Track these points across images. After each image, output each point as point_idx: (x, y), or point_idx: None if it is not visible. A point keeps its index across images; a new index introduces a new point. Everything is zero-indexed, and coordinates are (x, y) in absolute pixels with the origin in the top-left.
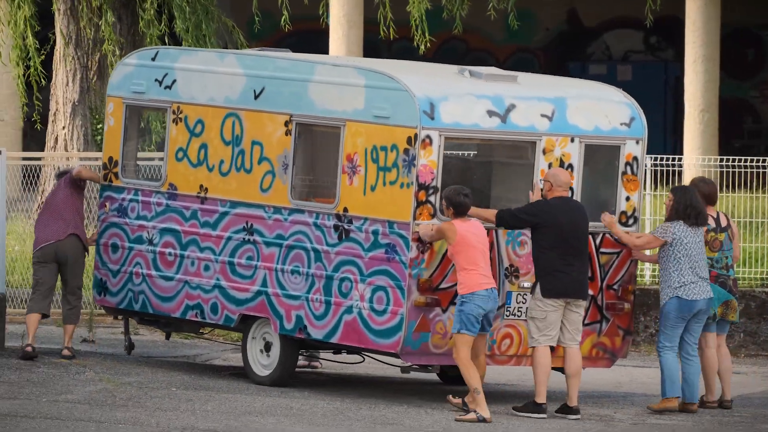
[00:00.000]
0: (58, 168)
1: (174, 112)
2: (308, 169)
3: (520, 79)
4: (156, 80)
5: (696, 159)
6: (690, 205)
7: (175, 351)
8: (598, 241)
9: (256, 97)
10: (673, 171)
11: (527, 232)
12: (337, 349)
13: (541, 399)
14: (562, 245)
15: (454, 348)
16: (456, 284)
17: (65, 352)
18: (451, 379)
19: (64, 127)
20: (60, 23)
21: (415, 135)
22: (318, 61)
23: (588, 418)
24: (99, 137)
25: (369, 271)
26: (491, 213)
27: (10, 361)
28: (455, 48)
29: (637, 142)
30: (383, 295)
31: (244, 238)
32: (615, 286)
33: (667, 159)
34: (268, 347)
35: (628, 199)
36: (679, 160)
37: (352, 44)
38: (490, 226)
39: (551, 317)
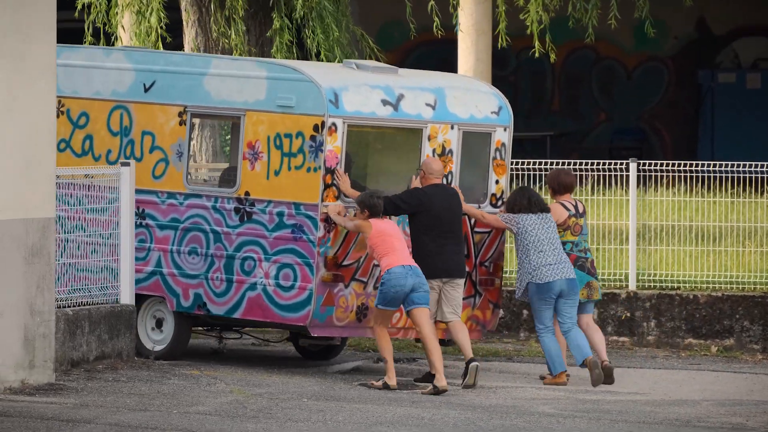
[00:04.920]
0: None
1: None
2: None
3: (400, 71)
4: None
5: None
6: (536, 197)
7: (306, 361)
8: (473, 221)
9: (146, 90)
10: None
11: None
12: (236, 325)
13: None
14: (436, 229)
15: (372, 318)
16: (356, 262)
17: None
18: (311, 354)
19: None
20: (189, 34)
21: (322, 123)
22: (213, 55)
23: (720, 427)
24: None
25: (274, 250)
26: None
27: (141, 372)
28: (585, 56)
29: (505, 129)
30: (290, 272)
31: (136, 222)
32: (486, 263)
33: None
34: (159, 324)
35: (497, 182)
36: None
37: (481, 52)
38: None
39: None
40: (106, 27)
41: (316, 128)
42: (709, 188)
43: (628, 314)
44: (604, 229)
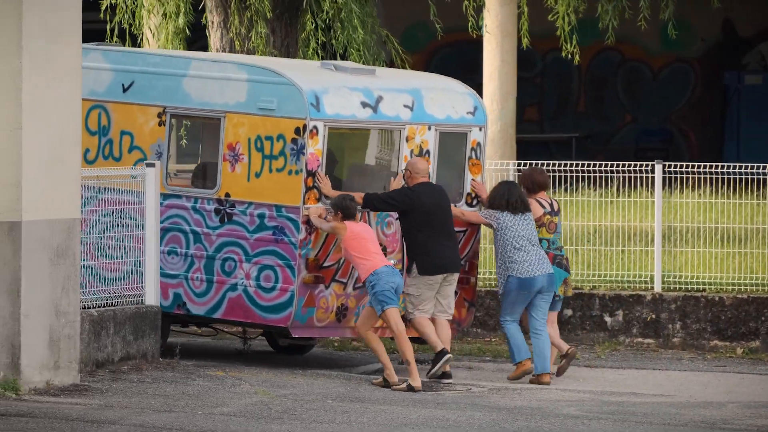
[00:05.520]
0: None
1: None
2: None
3: (377, 72)
4: None
5: None
6: (516, 197)
7: (331, 363)
8: None
9: (124, 91)
10: None
11: (394, 213)
12: (215, 323)
13: (438, 347)
14: (430, 226)
15: (388, 327)
16: (337, 263)
17: None
18: (284, 349)
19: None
20: (213, 36)
21: (304, 126)
22: (193, 56)
23: (745, 429)
24: None
25: (255, 251)
26: (359, 196)
27: (166, 373)
28: (610, 58)
29: (480, 129)
30: (271, 273)
31: (115, 222)
32: (462, 262)
33: None
34: None
35: (473, 181)
36: None
37: (506, 54)
38: None
39: (426, 294)
40: (132, 28)
41: (297, 131)
42: (734, 190)
43: (654, 316)
44: (630, 230)
